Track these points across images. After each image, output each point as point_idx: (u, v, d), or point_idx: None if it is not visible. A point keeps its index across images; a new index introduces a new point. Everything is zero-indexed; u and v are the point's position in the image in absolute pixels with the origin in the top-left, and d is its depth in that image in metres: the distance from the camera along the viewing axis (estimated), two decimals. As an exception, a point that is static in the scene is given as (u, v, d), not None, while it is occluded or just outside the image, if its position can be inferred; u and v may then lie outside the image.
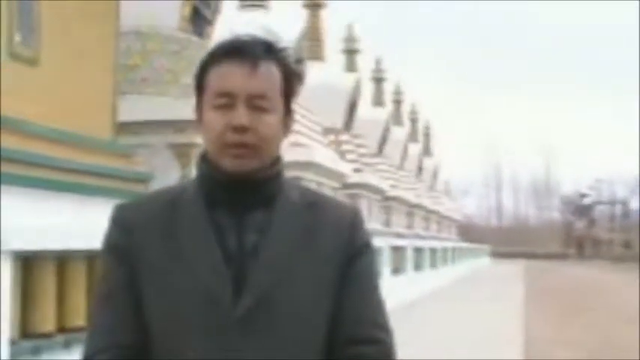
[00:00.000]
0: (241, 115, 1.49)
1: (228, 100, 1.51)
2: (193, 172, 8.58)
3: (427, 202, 31.47)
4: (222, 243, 1.50)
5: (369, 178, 20.00)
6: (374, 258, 1.62)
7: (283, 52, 1.58)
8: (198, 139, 8.59)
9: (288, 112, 1.58)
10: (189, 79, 9.27)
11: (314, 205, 1.58)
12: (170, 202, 1.56)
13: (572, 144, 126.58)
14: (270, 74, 1.53)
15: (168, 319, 1.49)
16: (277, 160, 1.57)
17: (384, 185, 22.04)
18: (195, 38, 9.67)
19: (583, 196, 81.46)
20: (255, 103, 1.51)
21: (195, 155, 8.64)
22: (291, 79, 1.58)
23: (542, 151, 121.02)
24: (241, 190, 1.52)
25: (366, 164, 20.90)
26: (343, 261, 1.54)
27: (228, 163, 1.51)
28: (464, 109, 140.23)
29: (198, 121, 1.58)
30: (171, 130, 8.81)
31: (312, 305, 1.51)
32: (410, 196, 27.10)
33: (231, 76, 1.51)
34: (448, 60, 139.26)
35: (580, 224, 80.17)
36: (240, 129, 1.49)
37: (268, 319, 1.47)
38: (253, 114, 1.51)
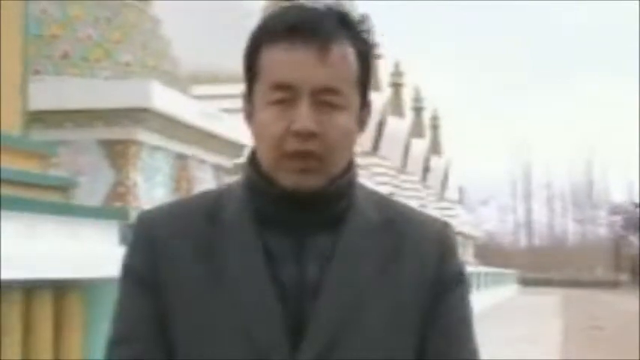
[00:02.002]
0: (305, 116, 1.48)
1: (287, 94, 1.49)
2: (131, 177, 8.57)
3: (435, 214, 31.56)
4: (275, 275, 1.51)
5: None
6: (468, 292, 1.62)
7: (362, 26, 1.56)
8: (139, 135, 8.56)
9: (364, 104, 1.57)
10: (125, 56, 9.24)
11: (393, 223, 1.58)
12: (207, 214, 1.57)
13: (620, 143, 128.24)
14: (344, 59, 1.51)
15: None
16: (350, 167, 1.58)
17: (381, 192, 22.08)
18: (132, 0, 9.62)
19: (638, 206, 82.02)
20: (324, 99, 1.49)
21: (132, 154, 8.59)
22: (370, 62, 1.57)
23: (583, 152, 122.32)
24: (303, 210, 1.53)
25: (357, 166, 20.90)
26: (430, 298, 1.55)
27: (288, 179, 1.50)
28: (484, 101, 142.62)
29: (248, 117, 1.57)
30: (102, 123, 8.75)
31: (389, 358, 1.51)
32: (413, 206, 27.17)
33: (292, 63, 1.49)
34: (469, 51, 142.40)
35: (634, 242, 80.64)
36: (305, 134, 1.47)
37: None
38: (321, 113, 1.49)
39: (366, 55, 1.55)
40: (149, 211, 1.63)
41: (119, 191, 8.37)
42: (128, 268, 1.58)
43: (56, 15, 9.23)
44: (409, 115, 36.58)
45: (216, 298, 1.50)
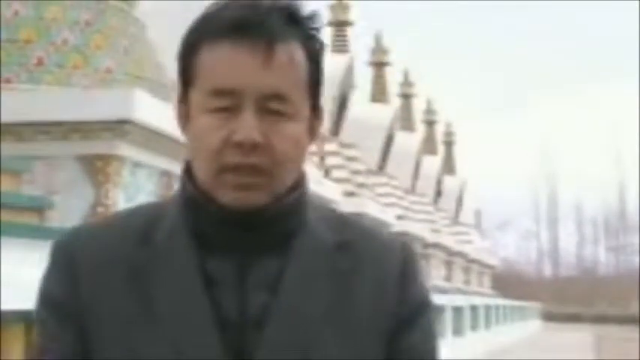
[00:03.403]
0: (249, 126, 1.44)
1: (229, 101, 1.46)
2: (111, 196, 8.60)
3: (449, 241, 31.53)
4: (215, 303, 1.47)
5: (365, 205, 20.05)
6: (433, 321, 1.61)
7: (312, 21, 1.54)
8: (120, 149, 8.61)
9: (315, 109, 1.56)
10: (106, 62, 9.31)
11: (349, 246, 1.55)
12: (138, 234, 1.53)
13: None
14: (292, 61, 1.49)
15: None
16: (300, 181, 1.55)
17: (388, 216, 22.10)
18: (114, 2, 9.68)
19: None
20: (271, 106, 1.46)
21: (114, 170, 8.62)
22: (321, 63, 1.55)
23: (616, 171, 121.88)
24: (246, 231, 1.49)
25: (362, 185, 20.95)
26: (390, 329, 1.53)
27: (227, 195, 1.47)
28: (503, 114, 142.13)
29: (183, 124, 1.54)
30: (80, 136, 8.80)
31: None
32: (424, 232, 27.16)
33: (235, 66, 1.46)
34: (487, 59, 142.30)
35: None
36: (248, 146, 1.44)
37: None
38: (267, 122, 1.46)
39: (316, 55, 1.53)
40: (69, 233, 1.58)
41: (98, 211, 8.37)
42: (46, 299, 1.53)
43: (30, 17, 9.27)
44: (420, 129, 36.61)
45: (148, 332, 1.47)
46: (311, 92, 1.53)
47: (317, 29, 1.54)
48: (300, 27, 1.52)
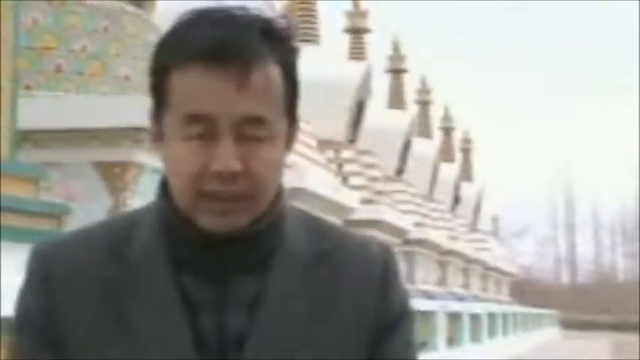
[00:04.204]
0: (228, 154, 1.41)
1: (205, 128, 1.42)
2: (129, 203, 8.58)
3: (466, 248, 31.47)
4: (193, 325, 1.46)
5: (383, 212, 20.02)
6: (412, 329, 1.60)
7: (287, 36, 1.50)
8: (138, 156, 8.60)
9: (291, 123, 1.53)
10: (124, 69, 9.32)
11: (327, 255, 1.54)
12: (111, 249, 1.51)
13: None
14: (268, 83, 1.45)
15: None
16: (277, 199, 1.52)
17: (405, 223, 22.05)
18: (132, 8, 9.70)
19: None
20: (248, 132, 1.43)
21: (132, 178, 8.62)
22: (296, 75, 1.52)
23: (633, 177, 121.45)
24: (223, 252, 1.48)
25: (379, 192, 20.92)
26: (371, 339, 1.53)
27: (206, 221, 1.45)
28: (520, 120, 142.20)
29: (155, 140, 1.52)
30: (98, 143, 8.80)
31: None
32: (442, 239, 27.10)
33: (209, 91, 1.42)
34: (505, 65, 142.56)
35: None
36: (227, 176, 1.42)
37: None
38: (245, 148, 1.43)
39: (292, 68, 1.50)
40: (45, 244, 1.56)
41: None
42: (24, 317, 1.52)
43: (49, 25, 9.30)
44: (437, 135, 36.61)
45: (125, 352, 1.45)
46: (288, 108, 1.50)
47: (292, 39, 1.51)
48: (275, 42, 1.47)
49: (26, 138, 7.64)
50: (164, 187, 1.52)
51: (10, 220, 6.43)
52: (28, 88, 8.74)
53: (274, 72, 1.46)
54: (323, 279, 1.52)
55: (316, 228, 1.58)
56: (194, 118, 1.43)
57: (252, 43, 1.43)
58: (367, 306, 1.53)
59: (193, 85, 1.43)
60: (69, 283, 1.50)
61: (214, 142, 1.42)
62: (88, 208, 8.24)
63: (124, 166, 8.73)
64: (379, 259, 1.58)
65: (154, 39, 9.86)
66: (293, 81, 1.51)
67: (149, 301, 1.47)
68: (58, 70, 9.13)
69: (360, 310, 1.52)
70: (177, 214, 1.49)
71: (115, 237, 1.53)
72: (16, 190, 6.75)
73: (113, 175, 8.72)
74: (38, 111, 8.31)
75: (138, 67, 9.38)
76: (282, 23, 1.49)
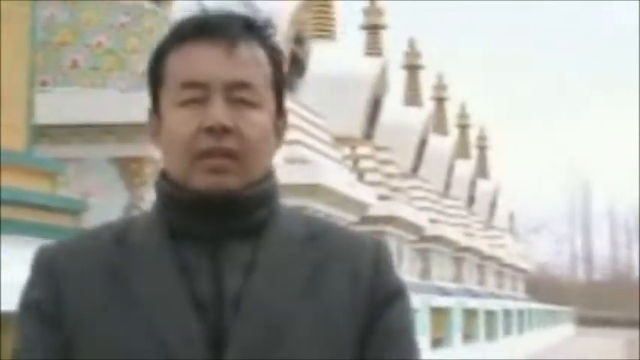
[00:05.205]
0: (218, 111, 1.54)
1: (198, 93, 1.56)
2: (146, 198, 8.58)
3: (482, 244, 31.42)
4: (191, 289, 1.54)
5: (399, 208, 19.99)
6: (409, 307, 1.65)
7: (267, 30, 1.64)
8: (155, 152, 8.59)
9: (279, 111, 1.65)
10: (141, 65, 9.31)
11: (320, 236, 1.62)
12: (114, 238, 1.61)
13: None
14: (253, 57, 1.60)
15: None
16: (269, 175, 1.63)
17: (421, 219, 22.02)
18: (149, 4, 9.71)
19: None
20: (237, 95, 1.57)
21: (149, 173, 8.62)
22: (281, 66, 1.64)
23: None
24: (219, 216, 1.57)
25: (395, 189, 20.90)
26: (365, 314, 1.58)
27: (202, 180, 1.55)
28: (537, 117, 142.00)
29: (154, 130, 1.64)
30: (114, 139, 8.81)
31: None
32: (458, 236, 27.06)
33: (201, 60, 1.57)
34: (521, 62, 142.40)
35: None
36: (219, 130, 1.53)
37: None
38: (236, 110, 1.56)
39: (277, 60, 1.64)
40: (49, 247, 1.65)
41: (133, 215, 8.38)
42: (28, 304, 1.60)
43: (65, 20, 9.32)
44: (453, 132, 36.49)
45: (129, 323, 1.53)
46: (275, 91, 1.63)
47: (272, 37, 1.65)
48: (257, 34, 1.62)
49: (43, 133, 7.64)
50: (161, 174, 1.62)
51: (27, 216, 6.44)
52: (44, 83, 8.76)
53: (259, 52, 1.61)
54: (315, 254, 1.59)
55: (310, 219, 1.68)
56: (188, 85, 1.56)
57: (236, 27, 1.60)
58: (360, 282, 1.59)
59: (186, 58, 1.58)
60: (73, 276, 1.58)
61: (206, 105, 1.55)
62: (105, 204, 8.26)
63: (140, 161, 8.75)
64: (372, 246, 1.65)
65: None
66: (279, 71, 1.64)
67: (147, 274, 1.55)
68: (75, 65, 9.16)
69: (353, 286, 1.58)
70: (174, 185, 1.58)
71: (116, 229, 1.63)
72: (32, 185, 6.75)
73: (130, 170, 8.74)
74: (55, 106, 8.33)
75: (154, 62, 9.40)
76: (262, 22, 1.64)
